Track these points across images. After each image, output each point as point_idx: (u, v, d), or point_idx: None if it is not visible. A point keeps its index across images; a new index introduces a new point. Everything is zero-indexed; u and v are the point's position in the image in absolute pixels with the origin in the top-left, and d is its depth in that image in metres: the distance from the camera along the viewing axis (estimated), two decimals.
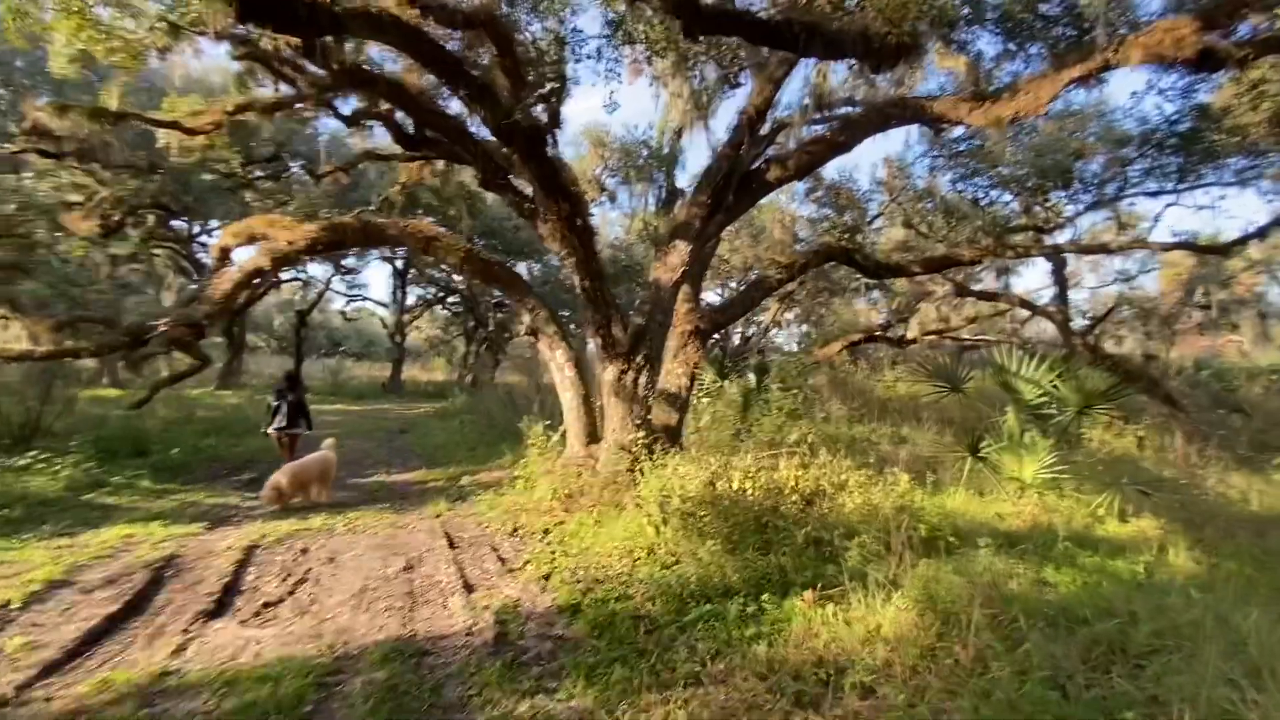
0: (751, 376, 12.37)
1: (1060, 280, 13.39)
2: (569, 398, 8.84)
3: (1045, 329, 22.88)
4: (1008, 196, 15.21)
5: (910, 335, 21.00)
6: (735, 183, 8.48)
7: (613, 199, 13.66)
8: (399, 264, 28.37)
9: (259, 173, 16.82)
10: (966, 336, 21.95)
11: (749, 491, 6.41)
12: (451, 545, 6.21)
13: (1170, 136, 11.11)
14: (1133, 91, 19.18)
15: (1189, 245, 11.75)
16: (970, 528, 6.21)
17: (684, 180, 15.98)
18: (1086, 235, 13.91)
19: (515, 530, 6.70)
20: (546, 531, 6.61)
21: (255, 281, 8.46)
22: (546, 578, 5.30)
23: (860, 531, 5.52)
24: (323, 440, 8.60)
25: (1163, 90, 10.48)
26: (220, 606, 4.77)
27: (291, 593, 5.07)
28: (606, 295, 8.31)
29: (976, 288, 16.81)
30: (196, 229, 23.16)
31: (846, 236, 12.77)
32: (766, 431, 10.95)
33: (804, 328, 24.25)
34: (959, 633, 3.68)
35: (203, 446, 11.40)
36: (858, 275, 20.05)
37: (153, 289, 24.29)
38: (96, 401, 14.90)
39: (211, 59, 24.09)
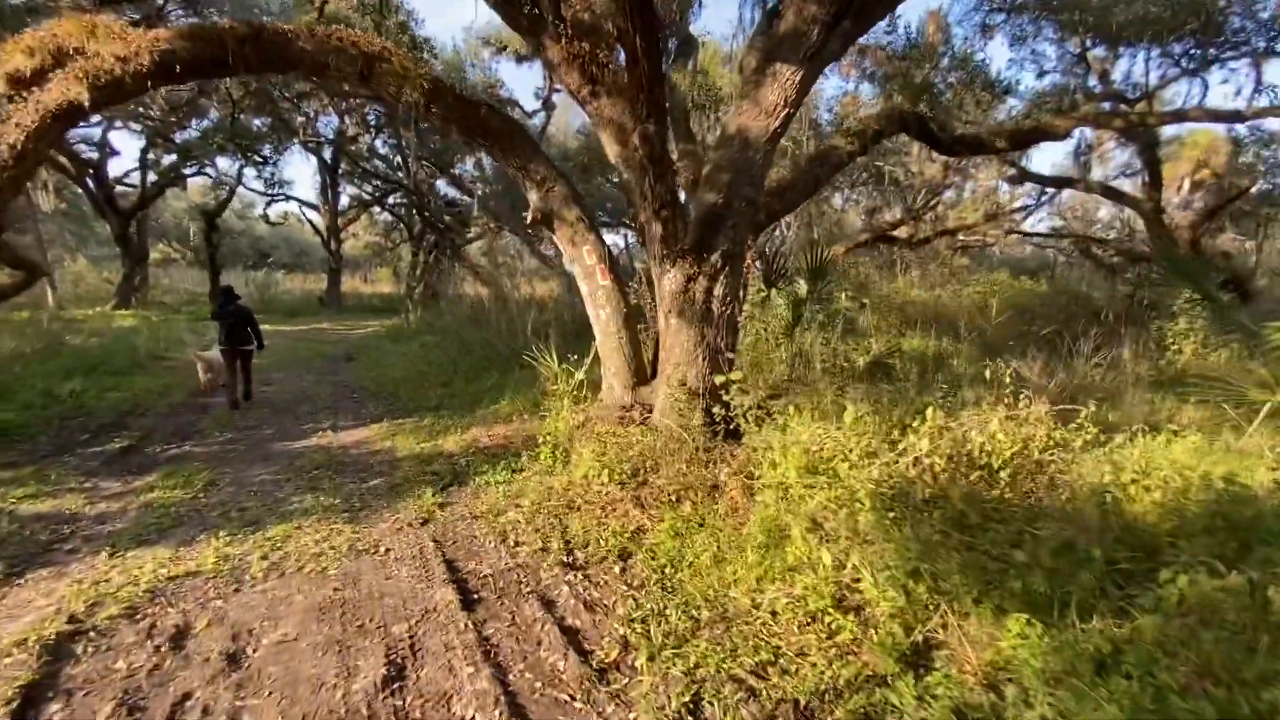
0: (801, 283, 9.49)
1: (1152, 162, 10.84)
2: (605, 317, 5.80)
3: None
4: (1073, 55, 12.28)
5: (924, 234, 18.43)
6: None
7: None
8: (327, 155, 23.50)
9: None
10: (979, 236, 19.56)
11: (937, 469, 3.79)
12: (465, 600, 3.30)
13: None
14: None
15: None
16: None
17: None
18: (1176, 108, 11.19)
19: (570, 551, 3.83)
20: (625, 555, 3.77)
21: (65, 126, 4.84)
22: (695, 703, 2.52)
23: (1180, 544, 2.96)
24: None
25: None
26: None
27: None
28: (667, 157, 5.13)
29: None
30: None
31: (923, 99, 9.67)
32: (830, 353, 8.29)
33: (798, 231, 21.35)
34: None
35: (59, 394, 7.87)
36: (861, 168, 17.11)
37: None
38: None
39: None
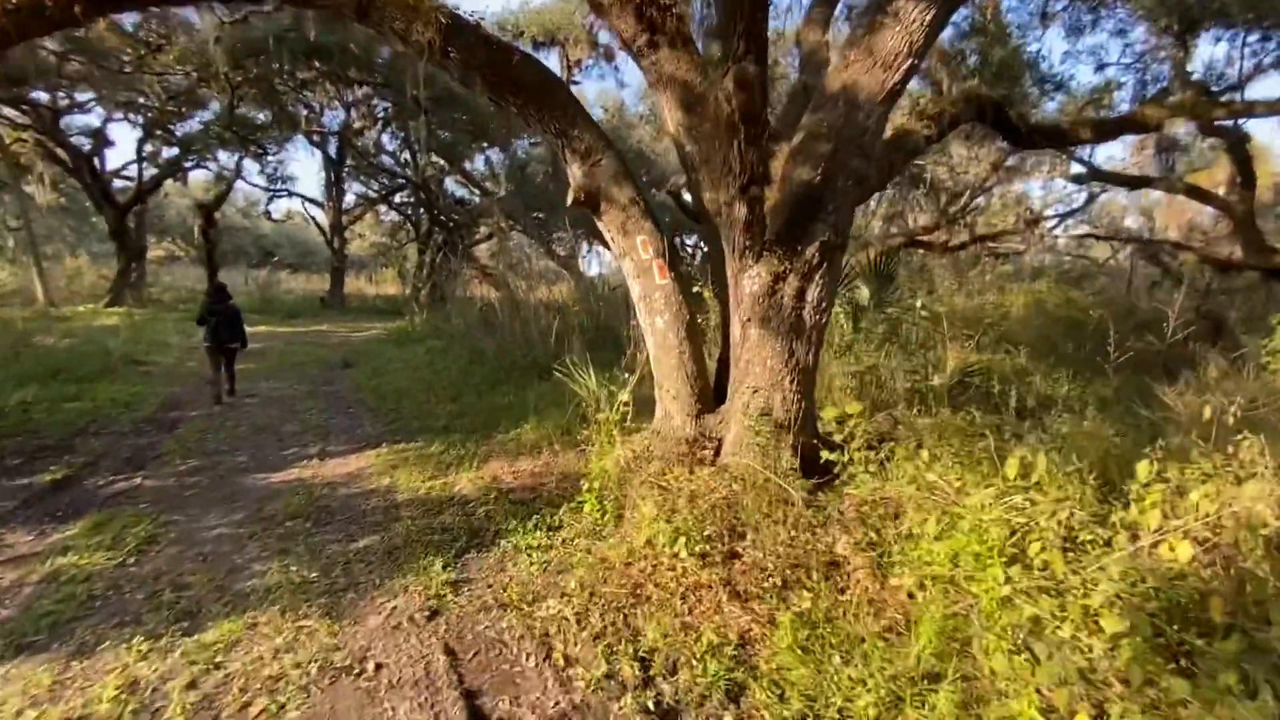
0: (862, 287, 8.20)
1: (1243, 159, 9.58)
2: (662, 325, 4.51)
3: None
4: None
5: (960, 239, 17.13)
6: None
7: None
8: (332, 150, 22.26)
9: None
10: (1020, 240, 18.25)
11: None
12: None
13: None
14: None
15: None
16: None
17: None
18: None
19: (649, 680, 2.52)
20: (736, 691, 2.47)
21: None
22: None
23: None
24: None
25: None
26: None
27: None
28: (766, 113, 3.83)
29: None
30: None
31: (1001, 84, 8.41)
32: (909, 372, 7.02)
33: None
34: None
35: (6, 406, 6.60)
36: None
37: None
38: None
39: None
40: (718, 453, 4.44)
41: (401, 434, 6.17)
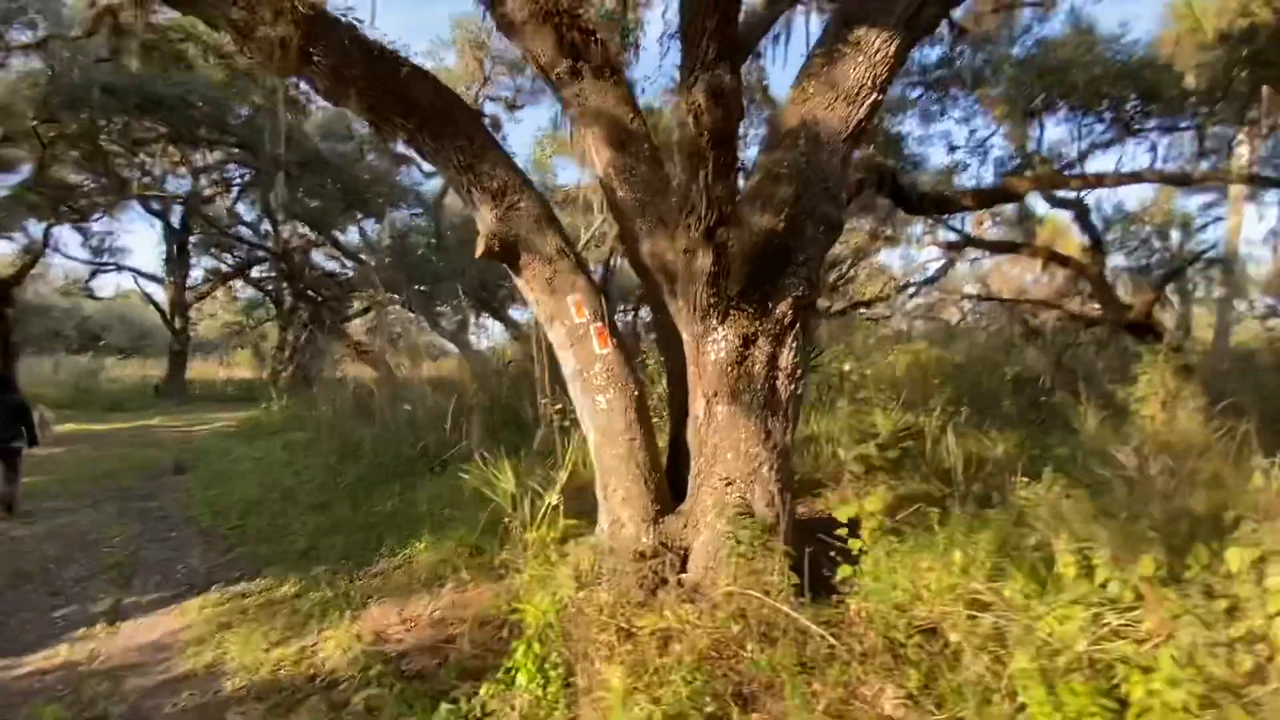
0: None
1: (1090, 227, 10.58)
2: (604, 407, 3.52)
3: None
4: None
5: (840, 305, 17.83)
6: None
7: None
8: (175, 220, 19.49)
9: None
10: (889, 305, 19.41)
11: None
12: None
13: None
14: None
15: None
16: None
17: None
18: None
19: None
20: None
21: None
22: None
23: None
24: None
25: None
26: None
27: None
28: (736, 135, 3.09)
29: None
30: None
31: (890, 152, 8.60)
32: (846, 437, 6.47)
33: None
34: None
35: None
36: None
37: None
38: None
39: None
40: (683, 567, 3.43)
41: (243, 567, 4.55)
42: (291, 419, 11.26)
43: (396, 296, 16.40)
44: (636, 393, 3.55)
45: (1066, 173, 10.72)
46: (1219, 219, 16.38)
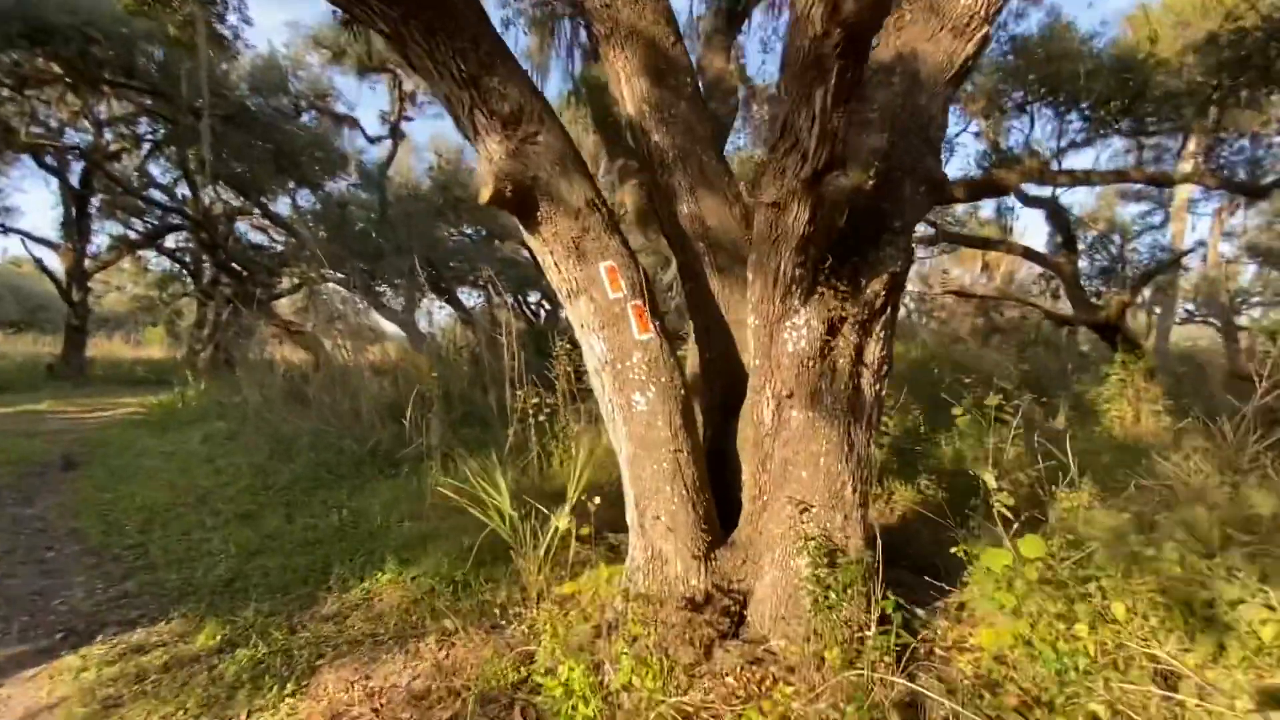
0: None
1: (1063, 226, 10.50)
2: (644, 409, 2.67)
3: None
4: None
5: None
6: None
7: None
8: (73, 177, 17.02)
9: None
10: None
11: None
12: None
13: None
14: None
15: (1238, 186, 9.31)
16: None
17: None
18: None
19: None
20: None
21: None
22: None
23: None
24: None
25: None
26: None
27: None
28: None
29: None
30: None
31: None
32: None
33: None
34: None
35: None
36: None
37: None
38: None
39: None
40: (742, 618, 2.67)
41: (142, 605, 3.47)
42: (211, 406, 9.81)
43: (335, 273, 14.86)
44: (682, 392, 2.74)
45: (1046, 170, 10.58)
46: (1156, 226, 17.06)
